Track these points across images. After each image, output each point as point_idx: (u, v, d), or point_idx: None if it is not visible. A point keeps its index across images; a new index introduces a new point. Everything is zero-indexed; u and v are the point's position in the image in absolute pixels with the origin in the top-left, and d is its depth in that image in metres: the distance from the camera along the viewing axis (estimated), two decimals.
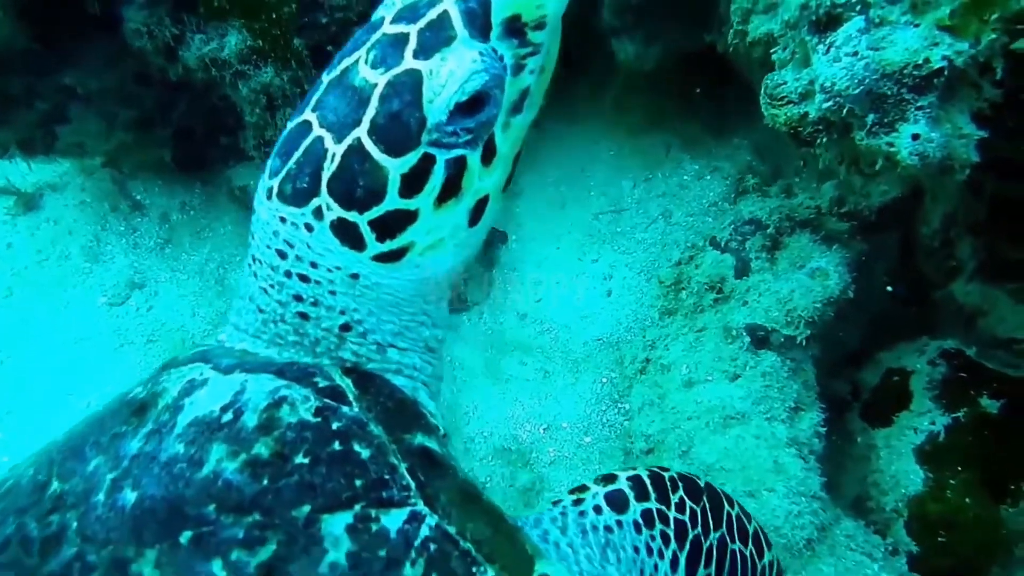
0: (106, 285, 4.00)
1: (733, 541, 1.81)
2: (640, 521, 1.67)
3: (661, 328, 2.69)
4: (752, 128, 3.60)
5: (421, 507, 1.33)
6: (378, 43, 1.35)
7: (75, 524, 1.25)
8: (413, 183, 1.37)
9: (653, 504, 1.69)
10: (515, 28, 1.35)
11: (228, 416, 1.34)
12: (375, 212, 1.37)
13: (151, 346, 3.83)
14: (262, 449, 1.31)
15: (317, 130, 1.37)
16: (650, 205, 3.64)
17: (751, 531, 1.87)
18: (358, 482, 1.32)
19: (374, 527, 1.28)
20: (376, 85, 1.32)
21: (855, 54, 1.71)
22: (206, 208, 4.26)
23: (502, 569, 1.33)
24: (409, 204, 1.38)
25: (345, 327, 1.52)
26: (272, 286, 1.51)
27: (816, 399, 2.41)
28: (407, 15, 1.34)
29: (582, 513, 1.65)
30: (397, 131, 1.33)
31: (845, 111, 1.75)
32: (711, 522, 1.76)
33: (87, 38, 3.21)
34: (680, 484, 1.75)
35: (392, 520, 1.30)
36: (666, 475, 1.75)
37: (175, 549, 1.20)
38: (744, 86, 2.70)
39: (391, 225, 1.40)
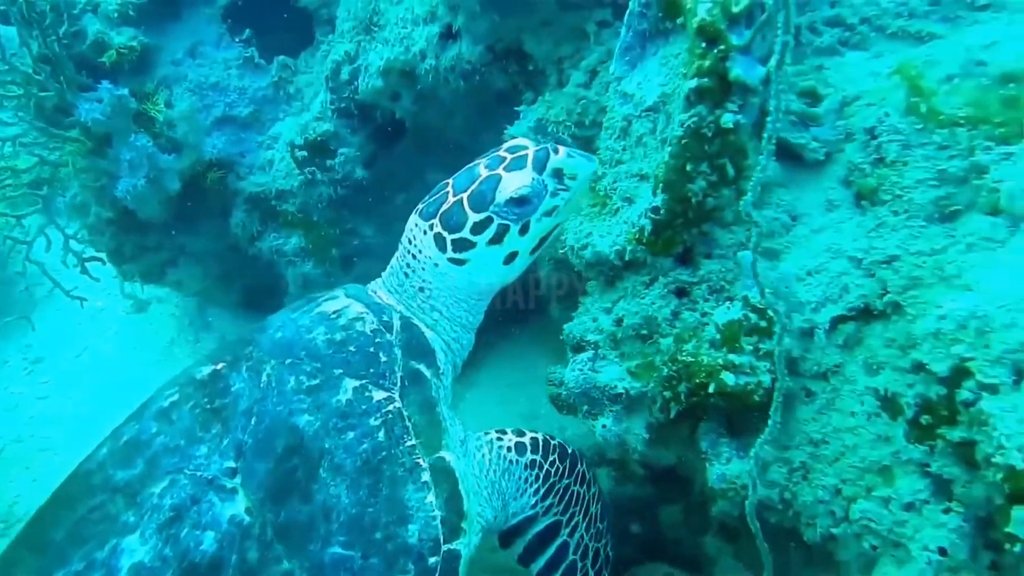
0: (171, 370, 5.57)
1: (576, 485, 2.89)
2: (527, 463, 2.75)
3: None
4: None
5: (396, 396, 2.40)
6: (492, 157, 2.54)
7: (253, 353, 2.46)
8: (478, 229, 2.50)
9: (538, 457, 2.78)
10: (558, 174, 2.49)
11: (334, 316, 2.53)
12: (456, 235, 2.52)
13: None
14: (338, 335, 2.47)
15: (449, 190, 2.55)
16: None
17: (589, 478, 2.95)
18: (371, 370, 2.41)
19: (367, 393, 2.37)
20: (481, 175, 2.50)
21: (581, 371, 2.95)
22: None
23: (420, 441, 2.36)
24: (473, 238, 2.52)
25: (421, 289, 2.68)
26: (399, 257, 2.72)
27: None
28: (511, 151, 2.52)
29: (500, 445, 2.73)
30: (480, 200, 2.47)
31: (573, 399, 2.96)
32: (565, 473, 2.83)
33: (208, 220, 4.85)
34: (556, 448, 2.84)
35: (378, 393, 2.38)
36: (552, 441, 2.84)
37: (281, 365, 2.39)
38: None
39: (462, 245, 2.53)
